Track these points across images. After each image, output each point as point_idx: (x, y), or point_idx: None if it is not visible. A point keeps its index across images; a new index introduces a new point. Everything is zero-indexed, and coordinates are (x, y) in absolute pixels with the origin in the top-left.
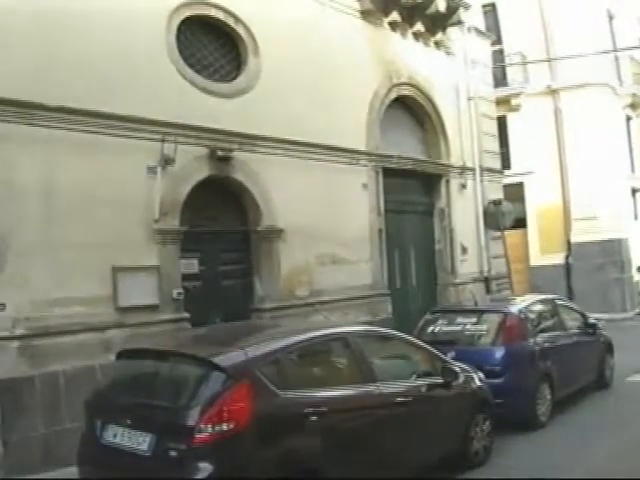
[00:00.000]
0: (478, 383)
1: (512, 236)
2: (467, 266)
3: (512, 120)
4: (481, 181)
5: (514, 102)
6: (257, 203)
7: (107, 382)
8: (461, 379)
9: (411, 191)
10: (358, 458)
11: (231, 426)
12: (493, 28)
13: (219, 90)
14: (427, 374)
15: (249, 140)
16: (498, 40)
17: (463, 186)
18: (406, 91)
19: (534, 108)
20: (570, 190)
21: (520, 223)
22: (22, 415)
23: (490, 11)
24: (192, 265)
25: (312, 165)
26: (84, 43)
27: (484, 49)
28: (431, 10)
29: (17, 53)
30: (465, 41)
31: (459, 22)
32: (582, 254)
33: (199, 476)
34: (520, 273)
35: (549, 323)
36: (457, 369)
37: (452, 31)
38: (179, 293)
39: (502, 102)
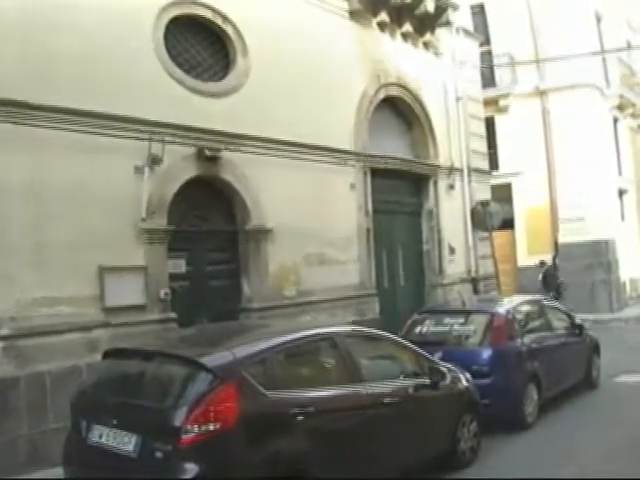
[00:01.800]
0: (465, 383)
1: (500, 237)
2: (455, 266)
3: (500, 121)
4: (469, 182)
5: (502, 103)
6: (245, 203)
7: (93, 382)
8: (448, 379)
9: (399, 191)
10: (345, 458)
11: (217, 426)
12: (481, 29)
13: (207, 89)
14: (414, 374)
15: (237, 140)
16: (486, 41)
17: (451, 187)
18: (394, 91)
19: (522, 109)
20: (558, 191)
21: (508, 224)
22: (7, 416)
23: (479, 12)
24: (179, 265)
25: (300, 165)
26: (71, 41)
27: (472, 50)
28: (420, 11)
29: (2, 50)
30: (453, 42)
31: (447, 23)
32: (569, 255)
33: (185, 477)
34: (507, 274)
35: (536, 324)
36: (444, 369)
37: (441, 32)
38: (166, 293)
39: (490, 103)
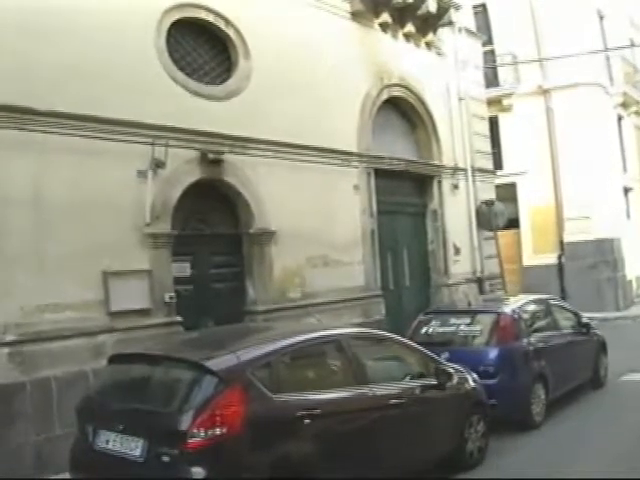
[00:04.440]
0: (472, 384)
1: (505, 236)
2: (460, 267)
3: (504, 120)
4: (473, 181)
5: (505, 102)
6: (249, 206)
7: (99, 387)
8: (455, 380)
9: (403, 192)
10: (352, 461)
11: (224, 430)
12: (484, 29)
13: (209, 93)
14: (421, 376)
15: (240, 142)
16: (489, 41)
17: (455, 187)
18: (397, 92)
19: (526, 108)
20: (562, 190)
21: (513, 223)
22: (14, 421)
23: (481, 12)
24: (184, 268)
25: (304, 167)
26: (72, 45)
27: (475, 49)
28: (422, 11)
29: (3, 55)
30: (456, 42)
31: (450, 23)
32: (575, 254)
33: None
34: (513, 273)
35: (543, 323)
36: (451, 370)
37: (443, 32)
38: (171, 297)
39: (494, 102)
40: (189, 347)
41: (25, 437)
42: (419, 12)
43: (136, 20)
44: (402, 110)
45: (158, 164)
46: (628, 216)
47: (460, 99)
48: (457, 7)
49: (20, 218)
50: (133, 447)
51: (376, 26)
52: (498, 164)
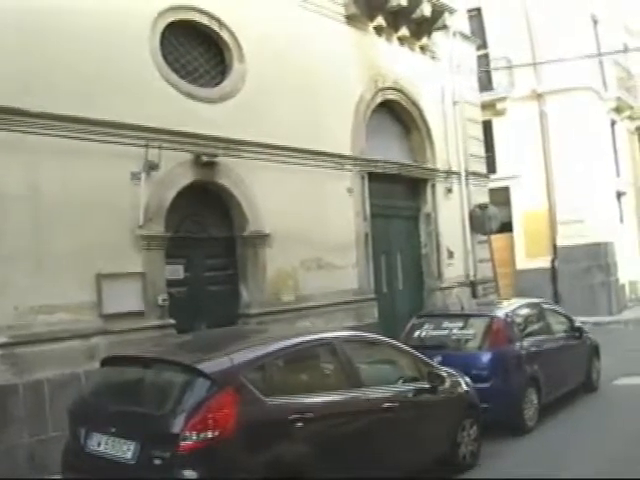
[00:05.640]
0: (465, 388)
1: (498, 240)
2: (453, 270)
3: (498, 124)
4: (467, 185)
5: (499, 106)
6: (242, 208)
7: (91, 390)
8: (447, 384)
9: (397, 195)
10: (344, 464)
11: (216, 433)
12: (478, 33)
13: (203, 95)
14: (414, 379)
15: (234, 145)
16: (483, 45)
17: (449, 190)
18: (392, 95)
19: (519, 112)
20: (556, 194)
21: (506, 227)
22: (6, 424)
23: (475, 16)
24: (177, 271)
25: (297, 170)
26: (67, 47)
27: (469, 53)
28: (416, 15)
29: None
30: (450, 46)
31: (444, 27)
32: (568, 258)
33: None
34: (506, 277)
35: (535, 327)
36: (444, 374)
37: (437, 36)
38: (164, 299)
39: (487, 106)
40: (182, 350)
41: (18, 439)
42: (413, 16)
43: (130, 22)
44: (396, 113)
45: (152, 166)
46: (621, 220)
47: (454, 103)
48: (451, 11)
49: (14, 219)
50: (125, 450)
51: (371, 30)
52: (492, 168)
